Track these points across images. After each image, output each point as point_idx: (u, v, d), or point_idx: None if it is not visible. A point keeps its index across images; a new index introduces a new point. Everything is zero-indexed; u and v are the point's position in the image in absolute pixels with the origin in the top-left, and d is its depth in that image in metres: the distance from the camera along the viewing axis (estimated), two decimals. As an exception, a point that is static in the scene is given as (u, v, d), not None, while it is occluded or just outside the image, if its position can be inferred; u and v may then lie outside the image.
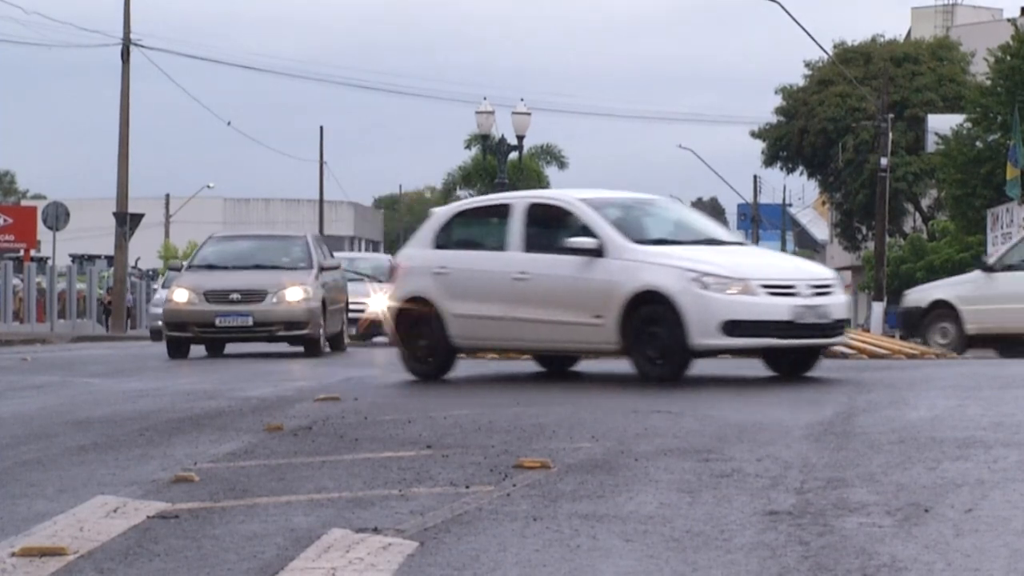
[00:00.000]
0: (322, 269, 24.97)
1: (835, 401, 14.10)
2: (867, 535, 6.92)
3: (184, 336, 24.10)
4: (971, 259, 45.71)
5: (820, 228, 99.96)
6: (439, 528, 7.19)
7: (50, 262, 52.16)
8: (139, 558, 6.65)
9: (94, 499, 8.24)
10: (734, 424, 11.84)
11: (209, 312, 23.78)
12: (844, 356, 24.44)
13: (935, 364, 22.81)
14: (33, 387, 17.79)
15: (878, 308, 45.94)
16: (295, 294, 23.85)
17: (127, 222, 52.06)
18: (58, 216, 50.69)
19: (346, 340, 26.98)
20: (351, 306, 36.66)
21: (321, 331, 24.26)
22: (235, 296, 23.83)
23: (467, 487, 8.47)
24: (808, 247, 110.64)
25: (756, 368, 17.62)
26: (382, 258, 41.57)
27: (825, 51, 55.82)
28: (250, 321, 23.67)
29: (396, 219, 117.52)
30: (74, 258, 63.44)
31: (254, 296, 23.81)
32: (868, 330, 40.79)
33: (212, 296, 23.90)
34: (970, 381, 16.78)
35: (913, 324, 28.65)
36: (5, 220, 57.79)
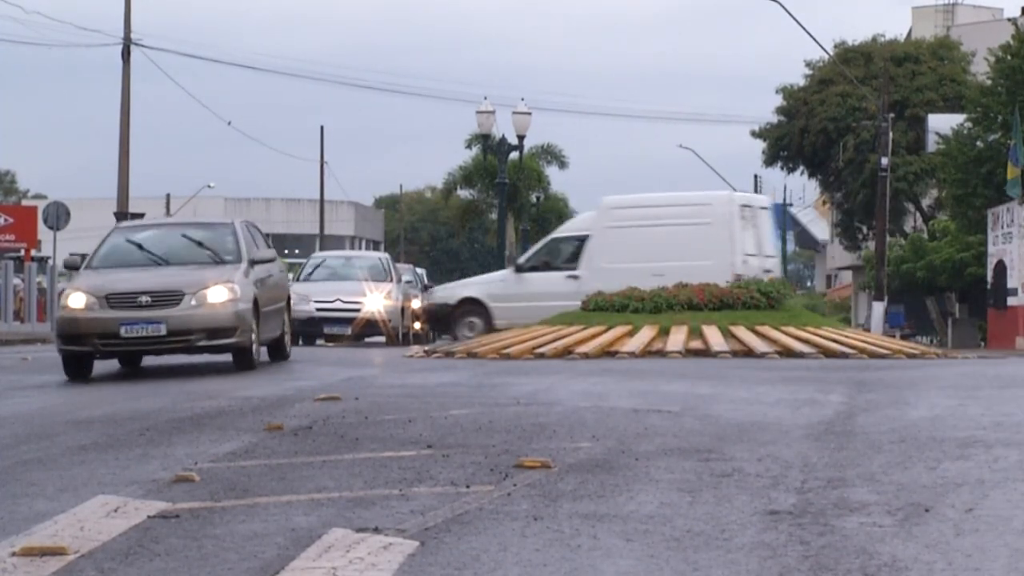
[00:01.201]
0: (254, 263, 20.63)
1: (835, 401, 14.11)
2: (868, 535, 6.92)
3: (82, 351, 19.28)
4: (971, 259, 45.76)
5: (820, 228, 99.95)
6: (440, 528, 7.19)
7: (51, 262, 52.19)
8: (140, 558, 6.65)
9: (95, 499, 8.24)
10: (734, 424, 11.84)
11: (112, 320, 19.04)
12: (844, 356, 24.46)
13: (935, 364, 22.82)
14: (33, 387, 17.80)
15: (878, 308, 45.91)
16: (219, 294, 19.43)
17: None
18: (59, 216, 50.70)
19: (288, 350, 22.54)
20: (346, 306, 36.68)
21: (253, 338, 19.88)
22: (144, 299, 19.14)
23: (468, 487, 8.47)
24: (809, 247, 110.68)
25: (758, 368, 17.62)
26: (380, 256, 41.54)
27: (825, 51, 55.81)
28: (163, 330, 19.01)
29: (397, 219, 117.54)
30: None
31: (168, 299, 19.22)
32: (868, 330, 40.76)
33: (116, 300, 19.19)
34: (970, 381, 16.79)
35: (442, 319, 32.08)
36: (6, 220, 57.81)
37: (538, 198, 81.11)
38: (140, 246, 21.11)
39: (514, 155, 47.99)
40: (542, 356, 24.61)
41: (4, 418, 13.68)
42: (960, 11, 76.34)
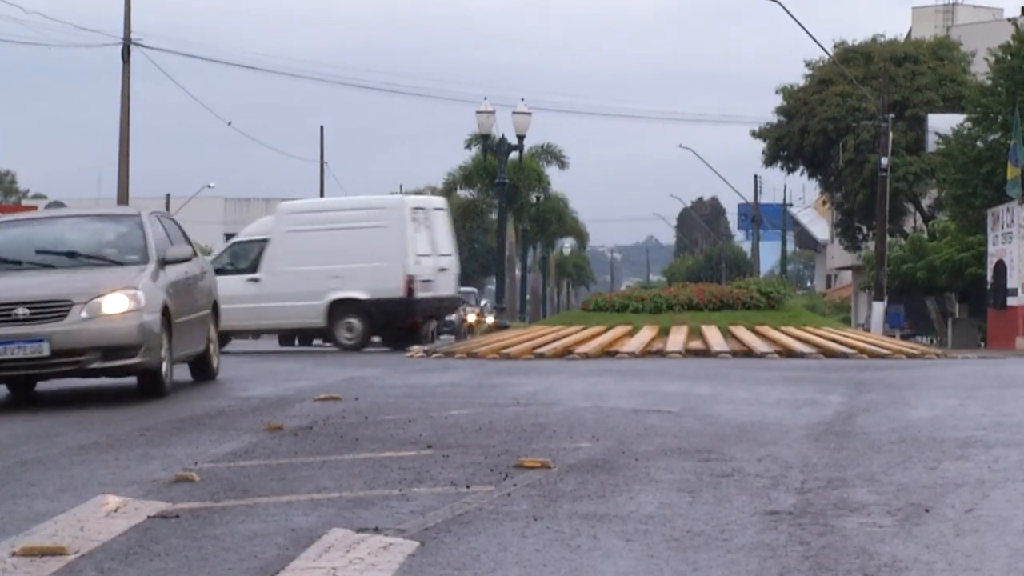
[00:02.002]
0: (165, 263, 16.48)
1: (835, 401, 14.11)
2: (867, 535, 6.92)
3: None
4: (971, 259, 45.74)
5: (820, 228, 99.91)
6: (440, 528, 7.19)
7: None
8: (140, 558, 6.65)
9: (95, 499, 8.24)
10: (734, 424, 11.84)
11: None
12: (844, 356, 24.47)
13: (935, 364, 22.82)
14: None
15: (878, 308, 45.91)
16: (117, 304, 15.27)
17: (127, 222, 51.97)
18: (58, 216, 50.66)
19: (216, 366, 18.50)
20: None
21: (163, 356, 15.68)
22: (21, 312, 15.12)
23: (468, 487, 8.47)
24: (809, 247, 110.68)
25: (758, 368, 17.62)
26: None
27: (825, 51, 55.80)
28: (45, 349, 15.02)
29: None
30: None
31: (51, 310, 15.18)
32: (868, 330, 40.77)
33: None
34: (970, 381, 16.80)
35: None
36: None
37: (538, 198, 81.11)
38: (19, 244, 16.89)
39: (514, 155, 47.93)
40: (542, 356, 24.62)
41: (4, 418, 13.68)
42: (960, 11, 76.32)
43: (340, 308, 28.52)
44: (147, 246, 16.58)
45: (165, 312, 15.88)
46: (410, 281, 28.83)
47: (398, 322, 29.36)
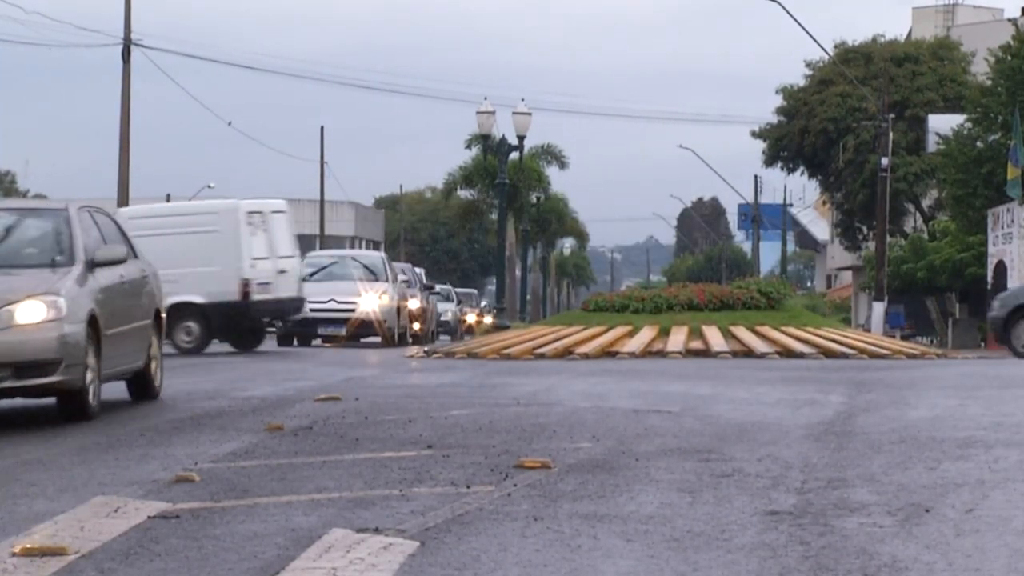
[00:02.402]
0: (94, 265, 14.15)
1: (835, 401, 14.12)
2: (868, 535, 6.92)
3: None
4: (971, 259, 45.73)
5: (821, 228, 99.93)
6: (440, 528, 7.19)
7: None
8: (140, 558, 6.65)
9: (95, 499, 8.24)
10: (734, 424, 11.85)
11: None
12: (844, 356, 24.47)
13: (935, 364, 22.83)
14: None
15: (878, 308, 45.93)
16: (32, 312, 13.05)
17: (128, 222, 51.97)
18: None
19: (158, 383, 15.70)
20: (340, 306, 36.52)
21: (89, 374, 13.37)
22: None
23: (468, 487, 8.47)
24: (809, 247, 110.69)
25: (758, 368, 17.62)
26: (375, 256, 41.39)
27: (826, 51, 55.84)
28: None
29: (397, 219, 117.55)
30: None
31: None
32: (868, 330, 40.77)
33: None
34: (970, 381, 16.80)
35: None
36: (6, 220, 57.76)
37: (538, 198, 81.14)
38: None
39: (514, 155, 47.99)
40: (542, 356, 24.62)
41: (5, 418, 13.67)
42: (960, 11, 76.31)
43: (177, 312, 28.47)
44: (74, 245, 14.18)
45: (92, 322, 13.56)
46: (246, 284, 29.10)
47: (236, 325, 29.59)
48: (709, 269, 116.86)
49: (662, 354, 24.50)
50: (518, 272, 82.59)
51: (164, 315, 16.40)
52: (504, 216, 48.43)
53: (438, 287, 53.64)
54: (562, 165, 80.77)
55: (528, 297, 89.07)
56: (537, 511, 7.66)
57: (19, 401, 14.05)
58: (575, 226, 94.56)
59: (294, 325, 35.09)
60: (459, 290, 70.54)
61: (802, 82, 63.57)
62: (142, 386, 15.44)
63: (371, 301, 35.59)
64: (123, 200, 52.46)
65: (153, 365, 15.56)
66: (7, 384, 12.95)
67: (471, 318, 63.61)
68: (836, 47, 61.75)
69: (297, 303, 30.93)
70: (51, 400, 13.34)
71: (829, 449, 10.17)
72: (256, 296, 29.34)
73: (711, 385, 16.34)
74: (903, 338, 40.31)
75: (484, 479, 8.78)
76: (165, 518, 7.60)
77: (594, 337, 26.14)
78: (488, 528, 7.20)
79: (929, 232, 55.38)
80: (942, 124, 49.70)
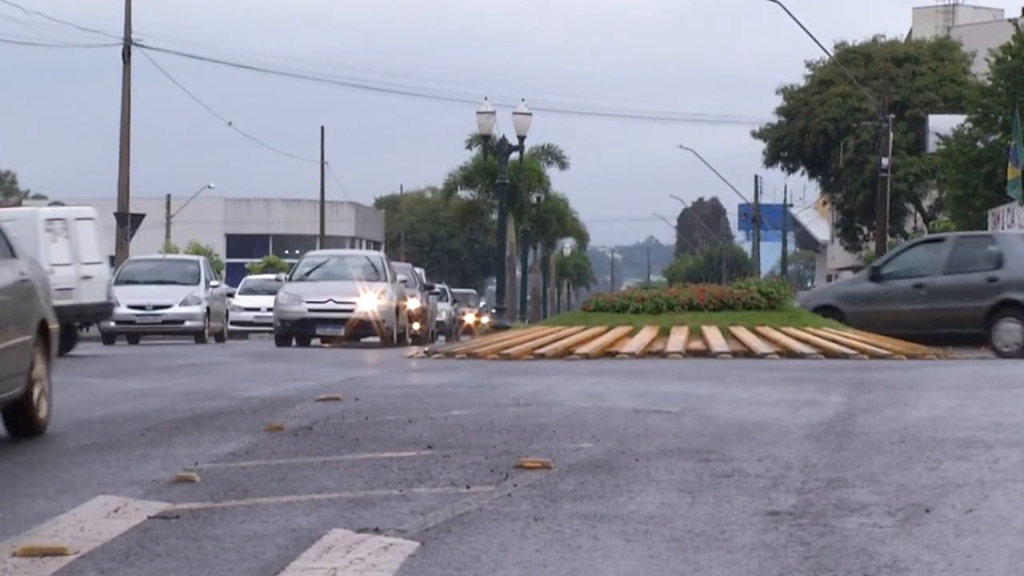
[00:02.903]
0: None
1: (835, 401, 14.12)
2: (868, 535, 6.92)
3: None
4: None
5: (821, 228, 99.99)
6: (440, 528, 7.19)
7: (51, 262, 52.04)
8: (140, 558, 6.65)
9: (95, 499, 8.23)
10: (734, 424, 11.85)
11: None
12: (844, 356, 24.47)
13: (935, 364, 22.83)
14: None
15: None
16: None
17: (128, 222, 52.04)
18: (59, 216, 50.62)
19: (44, 414, 11.96)
20: (339, 306, 36.45)
21: None
22: None
23: (468, 487, 8.47)
24: (809, 247, 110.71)
25: (758, 368, 17.63)
26: (374, 256, 41.30)
27: (826, 51, 55.88)
28: None
29: (397, 219, 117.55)
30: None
31: None
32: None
33: None
34: (970, 381, 16.81)
35: None
36: (6, 220, 57.76)
37: (538, 199, 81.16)
38: None
39: (514, 156, 47.98)
40: (542, 357, 24.62)
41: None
42: (960, 12, 76.37)
43: None
44: None
45: None
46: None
47: None
48: (709, 269, 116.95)
49: (662, 354, 24.50)
50: (518, 272, 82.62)
51: (54, 327, 12.71)
52: (504, 216, 48.44)
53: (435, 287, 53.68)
54: (562, 165, 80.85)
55: (528, 297, 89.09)
56: (537, 511, 7.66)
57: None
58: (575, 226, 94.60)
59: (292, 326, 35.06)
60: (457, 290, 70.57)
61: (802, 82, 63.64)
62: (21, 418, 11.73)
63: (370, 301, 35.45)
64: (123, 200, 52.46)
65: (36, 391, 11.78)
66: None
67: (469, 318, 63.64)
68: (836, 47, 61.81)
69: (104, 308, 30.90)
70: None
71: (829, 449, 10.17)
72: (57, 302, 29.25)
73: (711, 385, 16.34)
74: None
75: (484, 479, 8.78)
76: (165, 518, 7.60)
77: (594, 337, 26.13)
78: (488, 528, 7.20)
79: (929, 232, 55.41)
80: (942, 124, 49.73)
